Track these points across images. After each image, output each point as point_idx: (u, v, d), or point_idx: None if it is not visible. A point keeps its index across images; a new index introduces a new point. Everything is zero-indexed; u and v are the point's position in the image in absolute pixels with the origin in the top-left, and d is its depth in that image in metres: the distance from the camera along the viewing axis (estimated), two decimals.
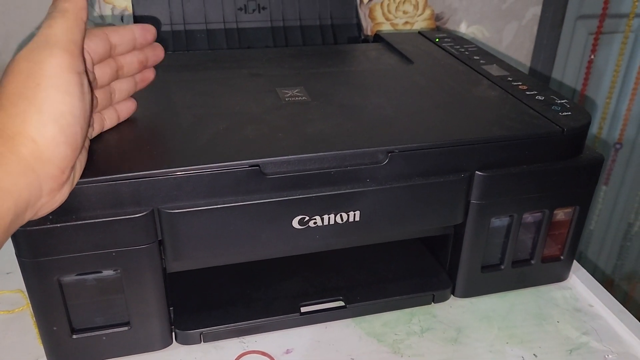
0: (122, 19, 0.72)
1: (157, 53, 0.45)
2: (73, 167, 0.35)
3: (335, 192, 0.43)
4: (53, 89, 0.33)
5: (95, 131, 0.42)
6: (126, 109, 0.45)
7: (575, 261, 0.56)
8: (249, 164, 0.40)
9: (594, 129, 1.07)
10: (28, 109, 0.32)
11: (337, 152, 0.42)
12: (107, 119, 0.43)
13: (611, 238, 1.19)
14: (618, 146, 1.09)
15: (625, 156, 1.11)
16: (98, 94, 0.41)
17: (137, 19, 0.65)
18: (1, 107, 0.32)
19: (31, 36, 0.70)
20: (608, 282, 1.23)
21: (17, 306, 0.50)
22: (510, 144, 0.46)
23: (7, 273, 0.54)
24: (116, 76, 0.42)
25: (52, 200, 0.35)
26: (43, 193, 0.33)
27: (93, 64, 0.39)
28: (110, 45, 0.40)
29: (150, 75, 0.45)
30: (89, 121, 0.36)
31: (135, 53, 0.43)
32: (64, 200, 0.36)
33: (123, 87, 0.43)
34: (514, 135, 0.46)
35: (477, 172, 0.46)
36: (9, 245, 0.39)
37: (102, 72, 0.40)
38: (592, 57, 0.99)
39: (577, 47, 0.97)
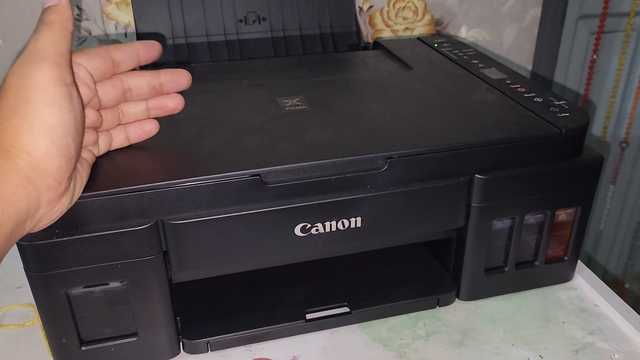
0: (125, 35, 0.74)
1: (176, 79, 0.43)
2: (71, 178, 0.36)
3: (336, 199, 0.43)
4: (42, 103, 0.33)
5: (101, 149, 0.42)
6: (138, 132, 0.44)
7: (579, 261, 0.56)
8: (249, 174, 0.41)
9: (599, 129, 1.07)
10: (20, 124, 0.33)
11: (336, 159, 0.43)
12: (115, 139, 0.43)
13: (621, 238, 1.19)
14: (624, 145, 1.09)
15: (633, 155, 1.10)
16: (104, 113, 0.41)
17: (140, 34, 0.66)
18: None
19: None
20: (619, 283, 1.22)
21: (28, 320, 0.51)
22: (509, 147, 0.46)
23: (18, 287, 0.55)
24: (124, 98, 0.42)
25: (51, 211, 0.35)
26: (42, 204, 0.34)
27: (94, 82, 0.39)
28: (112, 62, 0.40)
29: (168, 103, 0.44)
30: (82, 132, 0.36)
31: (145, 77, 0.42)
32: (64, 212, 0.37)
33: (131, 110, 0.43)
34: (512, 138, 0.46)
35: (476, 175, 0.46)
36: (19, 259, 0.40)
37: (104, 92, 0.40)
38: (595, 56, 0.99)
39: (579, 47, 0.97)
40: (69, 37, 0.36)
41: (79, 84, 0.37)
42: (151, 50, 0.42)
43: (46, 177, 0.34)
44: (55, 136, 0.34)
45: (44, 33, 0.35)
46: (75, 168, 0.36)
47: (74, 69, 0.37)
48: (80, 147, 0.36)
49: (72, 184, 0.36)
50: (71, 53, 0.37)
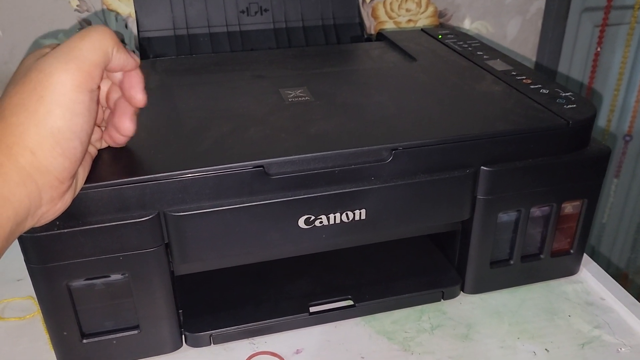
0: (126, 26, 0.73)
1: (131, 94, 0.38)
2: (74, 177, 0.35)
3: (340, 191, 0.43)
4: (55, 105, 0.32)
5: (104, 143, 0.42)
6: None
7: (585, 254, 0.55)
8: (253, 165, 0.40)
9: (602, 122, 1.06)
10: (27, 121, 0.32)
11: (340, 150, 0.42)
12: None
13: (624, 231, 1.18)
14: (628, 138, 1.08)
15: (636, 148, 1.10)
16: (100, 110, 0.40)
17: (141, 25, 0.65)
18: (2, 116, 0.32)
19: (35, 45, 0.71)
20: (622, 276, 1.22)
21: (28, 312, 0.51)
22: (516, 138, 0.45)
23: (18, 280, 0.55)
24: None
25: (53, 208, 0.35)
26: (43, 202, 0.33)
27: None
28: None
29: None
30: (91, 134, 0.35)
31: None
32: (66, 208, 0.36)
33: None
34: (518, 130, 0.45)
35: (482, 167, 0.45)
36: (20, 252, 0.39)
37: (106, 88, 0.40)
38: (599, 49, 0.98)
39: (583, 40, 0.96)
40: (109, 57, 0.35)
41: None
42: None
43: (49, 177, 0.33)
44: (62, 139, 0.33)
45: (93, 37, 0.34)
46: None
47: None
48: (86, 149, 0.35)
49: (74, 180, 0.36)
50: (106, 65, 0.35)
